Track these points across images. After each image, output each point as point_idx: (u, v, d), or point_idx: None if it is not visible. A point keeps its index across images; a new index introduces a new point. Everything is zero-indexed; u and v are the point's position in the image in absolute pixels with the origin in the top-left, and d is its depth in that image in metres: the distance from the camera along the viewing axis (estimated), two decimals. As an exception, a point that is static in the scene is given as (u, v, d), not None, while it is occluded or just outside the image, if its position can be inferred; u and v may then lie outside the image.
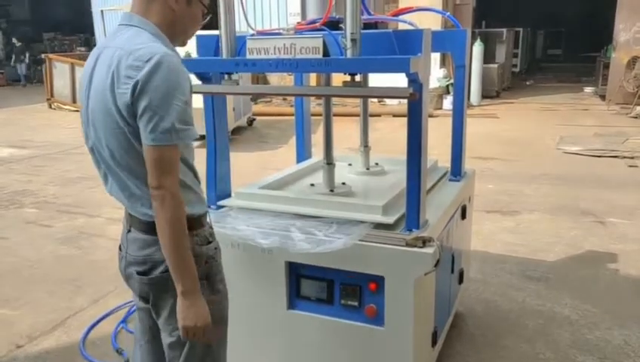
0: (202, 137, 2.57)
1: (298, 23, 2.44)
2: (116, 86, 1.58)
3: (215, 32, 2.36)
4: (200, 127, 2.44)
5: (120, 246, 1.89)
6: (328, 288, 2.32)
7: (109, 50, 1.66)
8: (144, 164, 1.63)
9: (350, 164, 3.21)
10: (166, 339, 1.81)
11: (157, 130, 1.55)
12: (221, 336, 1.88)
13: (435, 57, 12.15)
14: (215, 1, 2.16)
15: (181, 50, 1.97)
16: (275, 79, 14.77)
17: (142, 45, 1.60)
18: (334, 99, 2.97)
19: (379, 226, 2.26)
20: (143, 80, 1.54)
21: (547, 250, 4.58)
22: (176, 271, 1.64)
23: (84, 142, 1.80)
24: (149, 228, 1.71)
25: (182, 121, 1.58)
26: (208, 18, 1.85)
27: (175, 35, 1.76)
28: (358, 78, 2.18)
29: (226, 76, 2.38)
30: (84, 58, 12.47)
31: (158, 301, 1.78)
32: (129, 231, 1.81)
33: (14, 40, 22.08)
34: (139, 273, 1.77)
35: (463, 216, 3.02)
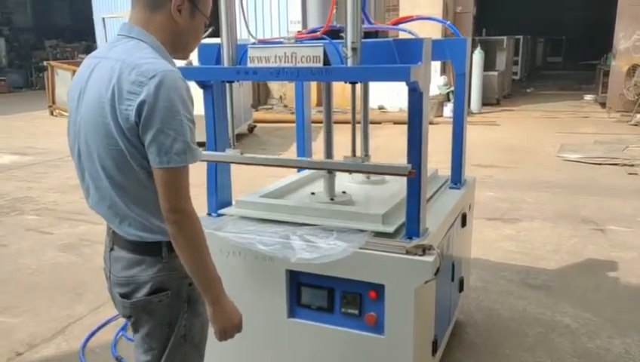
0: (202, 144, 2.58)
1: (299, 31, 2.46)
2: (118, 101, 1.52)
3: (217, 41, 2.37)
4: (200, 134, 2.47)
5: (104, 264, 1.85)
6: (329, 296, 2.32)
7: (107, 62, 1.59)
8: (139, 185, 1.61)
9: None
10: (140, 357, 1.78)
11: (171, 151, 1.51)
12: (199, 358, 1.87)
13: (436, 65, 12.19)
14: (216, 10, 2.16)
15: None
16: (276, 87, 14.83)
17: (145, 60, 1.54)
18: (334, 106, 2.98)
19: (379, 235, 2.26)
20: (150, 100, 1.48)
21: (548, 257, 4.57)
22: (203, 285, 1.65)
23: (70, 153, 1.75)
24: (135, 247, 1.69)
25: (192, 141, 1.56)
26: (210, 30, 1.83)
27: (177, 48, 1.71)
28: (358, 86, 2.19)
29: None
30: (85, 65, 12.47)
31: (139, 321, 1.75)
32: (112, 249, 1.76)
33: None
34: (121, 295, 1.73)
35: (464, 223, 3.02)
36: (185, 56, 1.79)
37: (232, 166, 2.68)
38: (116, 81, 1.53)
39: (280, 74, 2.17)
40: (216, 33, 2.23)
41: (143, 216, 1.65)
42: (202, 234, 1.62)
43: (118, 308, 1.81)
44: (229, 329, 1.72)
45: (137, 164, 1.58)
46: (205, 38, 1.84)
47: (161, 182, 1.54)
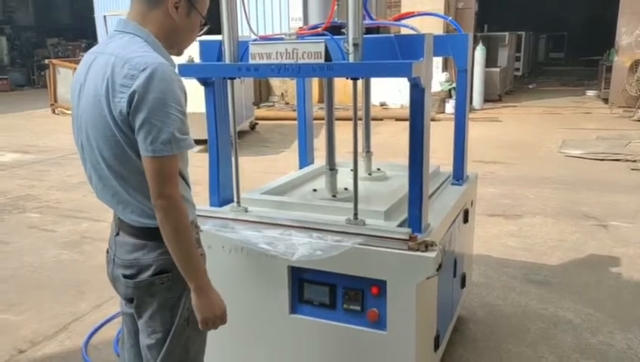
0: (204, 142, 2.58)
1: (300, 28, 2.45)
2: (111, 94, 1.59)
3: (218, 37, 2.37)
4: (202, 131, 2.47)
5: (107, 249, 1.91)
6: (331, 292, 2.32)
7: (103, 57, 1.66)
8: (137, 173, 1.65)
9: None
10: (145, 340, 1.83)
11: (157, 141, 1.56)
12: (202, 342, 1.91)
13: (438, 61, 12.17)
14: (217, 7, 2.16)
15: (184, 55, 1.98)
16: (277, 84, 14.82)
17: (137, 54, 1.60)
18: (336, 103, 2.98)
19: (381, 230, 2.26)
20: (140, 91, 1.54)
21: (550, 253, 4.57)
22: (187, 272, 1.69)
23: (75, 146, 1.81)
24: (138, 232, 1.75)
25: (180, 131, 1.59)
26: (205, 29, 1.85)
27: (171, 44, 1.76)
28: (360, 83, 2.18)
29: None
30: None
31: (141, 303, 1.79)
32: (117, 234, 1.83)
33: None
34: (125, 276, 1.78)
35: (465, 219, 3.02)
36: (179, 53, 1.83)
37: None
38: (110, 75, 1.60)
39: (281, 70, 2.17)
40: (217, 30, 2.23)
41: (143, 203, 1.71)
42: (188, 224, 1.66)
43: (119, 290, 1.86)
44: (211, 319, 1.75)
45: (135, 154, 1.64)
46: (201, 35, 1.86)
47: (149, 169, 1.60)
